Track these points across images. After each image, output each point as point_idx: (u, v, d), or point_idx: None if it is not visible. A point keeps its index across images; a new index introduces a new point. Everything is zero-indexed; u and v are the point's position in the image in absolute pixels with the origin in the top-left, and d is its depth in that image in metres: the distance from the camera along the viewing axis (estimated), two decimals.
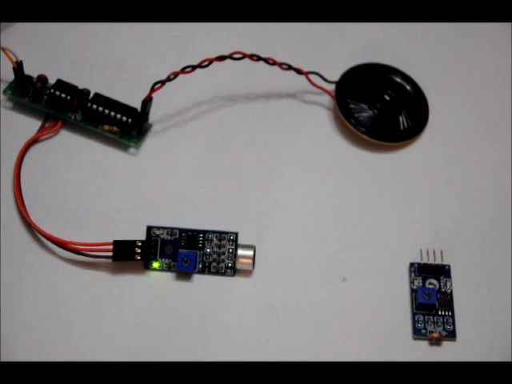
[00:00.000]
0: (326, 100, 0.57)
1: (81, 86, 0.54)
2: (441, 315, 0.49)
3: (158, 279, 0.49)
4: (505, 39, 0.61)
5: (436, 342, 0.48)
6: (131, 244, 0.49)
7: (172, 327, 0.48)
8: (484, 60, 0.60)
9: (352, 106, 0.56)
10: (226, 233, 0.50)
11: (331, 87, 0.57)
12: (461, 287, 0.50)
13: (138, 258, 0.49)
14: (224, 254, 0.50)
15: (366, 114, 0.56)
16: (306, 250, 0.51)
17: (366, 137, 0.55)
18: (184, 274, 0.49)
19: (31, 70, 0.54)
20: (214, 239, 0.50)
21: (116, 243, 0.48)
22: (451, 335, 0.48)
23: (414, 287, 0.50)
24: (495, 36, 0.61)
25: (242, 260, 0.49)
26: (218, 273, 0.50)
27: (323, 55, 0.59)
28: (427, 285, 0.50)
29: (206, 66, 0.52)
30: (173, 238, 0.50)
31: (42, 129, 0.54)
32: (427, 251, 0.50)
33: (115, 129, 0.53)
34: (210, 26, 0.59)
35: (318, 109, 0.57)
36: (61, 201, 0.51)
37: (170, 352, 0.47)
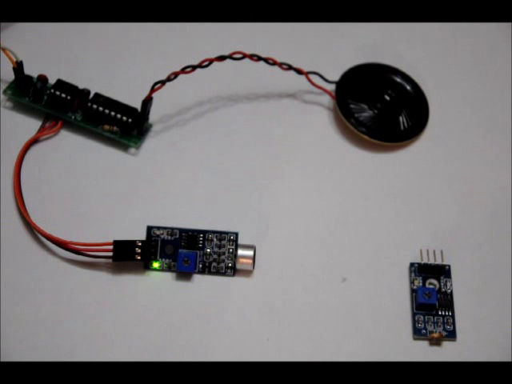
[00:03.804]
0: (326, 100, 0.57)
1: (81, 86, 0.54)
2: (441, 315, 0.49)
3: (158, 279, 0.49)
4: (505, 39, 0.61)
5: (436, 341, 0.48)
6: (131, 244, 0.49)
7: (172, 327, 0.48)
8: (484, 60, 0.60)
9: (352, 106, 0.56)
10: (226, 233, 0.50)
11: (331, 87, 0.57)
12: (461, 287, 0.50)
13: (138, 258, 0.49)
14: (224, 254, 0.50)
15: (366, 113, 0.56)
16: (306, 249, 0.51)
17: (366, 137, 0.55)
18: (184, 273, 0.49)
19: (31, 70, 0.54)
20: (214, 239, 0.50)
21: (116, 243, 0.48)
22: (451, 335, 0.48)
23: (414, 287, 0.50)
24: (495, 36, 0.61)
25: (242, 260, 0.49)
26: (218, 273, 0.50)
27: (323, 55, 0.59)
28: (427, 285, 0.50)
29: (206, 66, 0.52)
30: (173, 238, 0.50)
31: (42, 129, 0.54)
32: (427, 251, 0.50)
33: (115, 129, 0.53)
34: (210, 26, 0.59)
35: (318, 109, 0.57)
36: (61, 201, 0.51)
37: (170, 352, 0.47)
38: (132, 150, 0.54)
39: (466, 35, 0.61)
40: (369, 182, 0.54)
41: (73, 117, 0.54)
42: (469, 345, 0.48)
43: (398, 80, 0.58)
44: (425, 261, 0.50)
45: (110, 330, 0.47)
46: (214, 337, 0.47)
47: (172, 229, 0.50)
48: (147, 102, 0.53)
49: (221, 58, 0.53)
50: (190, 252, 0.49)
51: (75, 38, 0.58)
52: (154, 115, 0.55)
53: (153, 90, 0.52)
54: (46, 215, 0.50)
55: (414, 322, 0.48)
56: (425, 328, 0.48)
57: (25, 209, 0.50)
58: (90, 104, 0.54)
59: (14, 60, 0.53)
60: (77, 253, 0.49)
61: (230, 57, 0.53)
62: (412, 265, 0.50)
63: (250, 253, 0.49)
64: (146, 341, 0.47)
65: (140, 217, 0.51)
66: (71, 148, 0.54)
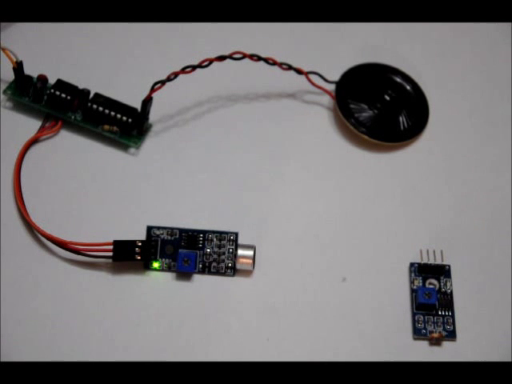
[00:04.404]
0: (326, 100, 0.57)
1: (81, 86, 0.54)
2: (441, 315, 0.49)
3: (158, 279, 0.49)
4: (505, 39, 0.61)
5: (436, 341, 0.48)
6: (131, 244, 0.49)
7: (172, 327, 0.48)
8: (484, 60, 0.60)
9: (352, 105, 0.56)
10: (226, 233, 0.50)
11: (331, 87, 0.57)
12: (461, 287, 0.50)
13: (138, 258, 0.49)
14: (224, 253, 0.50)
15: (366, 113, 0.56)
16: (306, 249, 0.51)
17: (366, 137, 0.55)
18: (184, 273, 0.49)
19: (31, 70, 0.54)
20: (214, 239, 0.50)
21: (116, 243, 0.48)
22: (451, 335, 0.48)
23: (414, 287, 0.50)
24: (495, 36, 0.61)
25: (242, 260, 0.49)
26: (218, 273, 0.50)
27: (323, 55, 0.59)
28: (427, 285, 0.50)
29: (206, 66, 0.52)
30: (173, 238, 0.50)
31: (42, 129, 0.54)
32: (427, 251, 0.50)
33: (115, 129, 0.53)
34: (210, 26, 0.59)
35: (318, 109, 0.57)
36: (61, 201, 0.51)
37: (170, 352, 0.47)
38: (132, 149, 0.54)
39: (466, 35, 0.61)
40: (369, 182, 0.54)
41: (73, 117, 0.54)
42: (469, 345, 0.48)
43: (398, 80, 0.58)
44: (425, 261, 0.50)
45: (110, 330, 0.47)
46: (214, 337, 0.47)
47: (172, 229, 0.50)
48: (147, 101, 0.53)
49: (221, 58, 0.53)
50: (190, 252, 0.49)
51: (75, 38, 0.58)
52: (153, 115, 0.55)
53: (153, 89, 0.52)
54: (46, 215, 0.50)
55: (414, 321, 0.48)
56: (425, 328, 0.48)
57: (25, 209, 0.50)
58: (90, 104, 0.54)
59: (14, 60, 0.53)
60: (77, 253, 0.49)
61: (230, 57, 0.53)
62: (412, 265, 0.50)
63: (250, 253, 0.49)
64: (146, 341, 0.47)
65: (140, 217, 0.51)
66: (71, 148, 0.54)
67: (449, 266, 0.50)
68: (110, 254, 0.48)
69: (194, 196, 0.52)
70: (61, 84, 0.54)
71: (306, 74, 0.56)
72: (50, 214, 0.50)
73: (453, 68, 0.60)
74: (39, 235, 0.50)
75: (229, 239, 0.50)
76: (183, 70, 0.52)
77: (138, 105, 0.53)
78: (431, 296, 0.49)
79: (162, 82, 0.52)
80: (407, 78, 0.58)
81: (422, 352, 0.48)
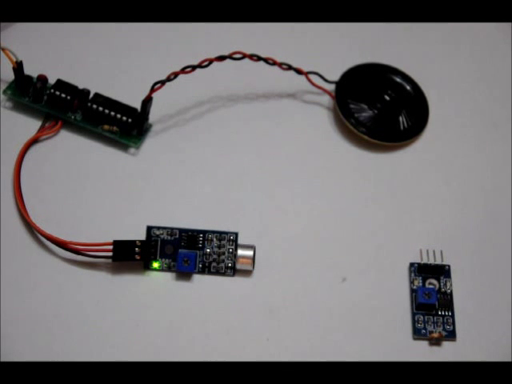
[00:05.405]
0: (326, 100, 0.57)
1: (81, 86, 0.54)
2: (441, 315, 0.49)
3: (158, 279, 0.49)
4: (505, 39, 0.61)
5: (436, 341, 0.48)
6: (131, 244, 0.49)
7: (172, 327, 0.48)
8: (484, 60, 0.60)
9: (352, 106, 0.56)
10: (226, 233, 0.50)
11: (331, 87, 0.57)
12: (461, 287, 0.50)
13: (138, 258, 0.49)
14: (224, 254, 0.50)
15: (366, 113, 0.56)
16: (305, 249, 0.51)
17: (366, 137, 0.55)
18: (184, 274, 0.49)
19: (31, 70, 0.54)
20: (214, 239, 0.50)
21: (116, 243, 0.48)
22: (451, 335, 0.48)
23: (414, 287, 0.50)
24: (495, 36, 0.61)
25: (241, 260, 0.49)
26: (218, 273, 0.50)
27: (323, 55, 0.59)
28: (427, 285, 0.50)
29: (206, 66, 0.52)
30: (173, 238, 0.50)
31: (41, 129, 0.54)
32: (427, 251, 0.50)
33: (115, 129, 0.53)
34: (210, 26, 0.59)
35: (318, 109, 0.57)
36: (61, 201, 0.51)
37: (170, 352, 0.47)
38: (132, 149, 0.54)
39: (466, 35, 0.61)
40: (369, 181, 0.54)
41: (73, 117, 0.54)
42: (468, 345, 0.48)
43: (398, 80, 0.58)
44: (425, 261, 0.50)
45: (110, 330, 0.47)
46: (214, 337, 0.47)
47: (172, 229, 0.50)
48: (147, 101, 0.53)
49: (221, 58, 0.53)
50: (190, 252, 0.49)
51: (75, 38, 0.58)
52: (153, 115, 0.55)
53: (153, 89, 0.52)
54: (46, 215, 0.50)
55: (414, 321, 0.48)
56: (425, 328, 0.48)
57: (25, 209, 0.50)
58: (89, 104, 0.54)
59: (14, 60, 0.53)
60: (77, 253, 0.49)
61: (230, 57, 0.53)
62: (412, 265, 0.50)
63: (250, 253, 0.49)
64: (146, 341, 0.47)
65: (140, 217, 0.51)
66: (71, 148, 0.54)
67: (449, 266, 0.50)
68: (110, 254, 0.48)
69: (194, 196, 0.52)
70: (61, 84, 0.54)
71: (306, 74, 0.56)
72: (50, 214, 0.50)
73: (453, 68, 0.60)
74: (39, 235, 0.50)
75: (229, 239, 0.50)
76: (183, 70, 0.52)
77: (137, 105, 0.53)
78: (431, 296, 0.49)
79: (162, 82, 0.52)
80: (407, 78, 0.58)
81: (421, 352, 0.48)
